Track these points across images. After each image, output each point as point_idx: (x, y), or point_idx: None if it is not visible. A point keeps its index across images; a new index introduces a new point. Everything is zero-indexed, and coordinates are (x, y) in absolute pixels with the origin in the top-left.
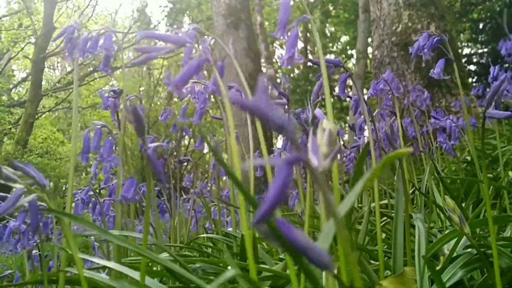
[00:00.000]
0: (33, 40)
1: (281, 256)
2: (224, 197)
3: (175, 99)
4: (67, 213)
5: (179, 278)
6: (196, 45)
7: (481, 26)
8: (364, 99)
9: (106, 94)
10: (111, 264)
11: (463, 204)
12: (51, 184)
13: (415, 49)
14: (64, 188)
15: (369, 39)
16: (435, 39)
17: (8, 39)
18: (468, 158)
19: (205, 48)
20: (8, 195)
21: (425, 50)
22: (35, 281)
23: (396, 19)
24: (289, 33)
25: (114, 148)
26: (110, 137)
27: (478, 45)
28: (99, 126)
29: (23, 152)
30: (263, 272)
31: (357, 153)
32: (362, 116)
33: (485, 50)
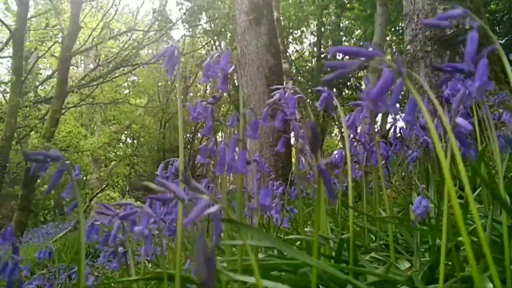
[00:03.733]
0: (60, 39)
1: (373, 255)
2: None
3: (191, 94)
4: (246, 225)
5: None
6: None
7: (499, 17)
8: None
9: (193, 106)
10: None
11: None
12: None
13: None
14: (85, 179)
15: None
16: None
17: (36, 38)
18: None
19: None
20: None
21: None
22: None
23: (431, 13)
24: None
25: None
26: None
27: (496, 36)
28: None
29: (48, 146)
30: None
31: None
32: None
33: (503, 41)
